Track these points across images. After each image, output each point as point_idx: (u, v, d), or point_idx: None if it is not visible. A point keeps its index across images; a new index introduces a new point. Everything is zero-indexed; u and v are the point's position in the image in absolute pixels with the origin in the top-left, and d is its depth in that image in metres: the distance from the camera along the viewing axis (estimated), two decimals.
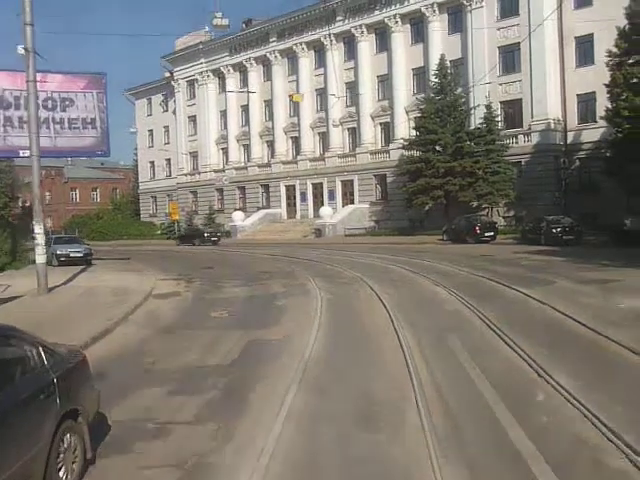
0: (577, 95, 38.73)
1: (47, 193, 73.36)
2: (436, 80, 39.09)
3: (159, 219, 65.47)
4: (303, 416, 6.40)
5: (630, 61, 30.41)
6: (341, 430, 5.96)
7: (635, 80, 29.77)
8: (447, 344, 9.29)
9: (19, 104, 22.55)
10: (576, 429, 5.64)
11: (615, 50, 30.92)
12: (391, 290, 15.36)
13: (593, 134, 36.74)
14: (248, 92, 53.47)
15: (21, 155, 23.37)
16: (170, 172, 66.41)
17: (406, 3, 44.81)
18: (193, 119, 62.93)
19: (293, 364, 8.40)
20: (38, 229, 15.92)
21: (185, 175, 63.42)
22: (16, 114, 22.57)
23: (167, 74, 66.25)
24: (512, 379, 7.41)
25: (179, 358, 9.37)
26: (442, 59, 39.17)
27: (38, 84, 20.99)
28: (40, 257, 15.98)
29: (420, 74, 44.86)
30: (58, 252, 24.57)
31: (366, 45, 48.05)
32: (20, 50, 20.55)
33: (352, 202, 47.85)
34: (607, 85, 31.54)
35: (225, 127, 59.60)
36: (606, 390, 6.68)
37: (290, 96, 50.12)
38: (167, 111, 67.18)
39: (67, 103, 23.15)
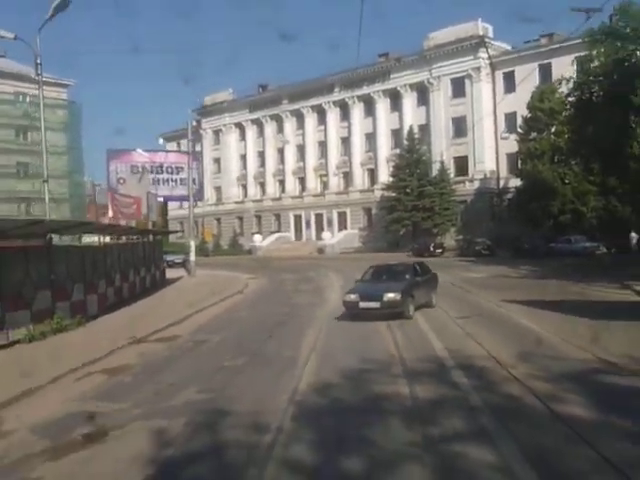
0: (506, 154, 54.63)
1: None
2: (406, 142, 55.17)
3: (186, 240, 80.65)
4: (342, 292, 22.00)
5: (530, 138, 46.51)
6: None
7: (533, 150, 45.65)
8: None
9: (153, 170, 38.21)
10: None
11: (520, 130, 47.17)
12: None
13: (517, 182, 52.60)
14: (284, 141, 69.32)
15: None
16: (196, 202, 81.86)
17: (386, 83, 61.03)
18: (217, 161, 78.69)
19: (333, 288, 23.97)
20: (192, 244, 31.37)
21: (210, 205, 78.82)
22: (151, 176, 38.16)
23: (194, 123, 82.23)
24: None
25: (287, 289, 24.88)
26: (411, 129, 55.33)
27: (162, 157, 36.85)
28: (192, 257, 31.44)
29: (396, 134, 60.76)
30: (168, 259, 39.72)
31: (357, 111, 64.20)
32: (160, 141, 36.44)
33: (345, 228, 63.53)
34: (517, 152, 47.73)
35: (244, 168, 75.48)
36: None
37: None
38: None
39: (179, 170, 38.79)
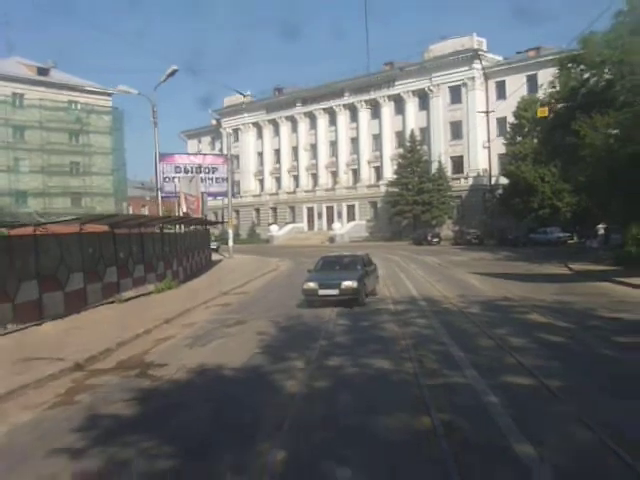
0: (497, 154, 61.58)
1: None
2: (408, 144, 62.23)
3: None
4: None
5: (516, 142, 53.46)
6: None
7: (517, 153, 52.64)
8: (394, 270, 32.04)
9: (193, 170, 45.36)
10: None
11: (507, 135, 54.14)
12: (376, 257, 37.88)
13: (506, 180, 59.54)
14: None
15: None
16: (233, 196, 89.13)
17: (391, 89, 68.02)
18: (236, 157, 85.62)
19: None
20: (230, 231, 38.59)
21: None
22: (189, 175, 45.29)
23: (214, 122, 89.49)
24: (394, 271, 30.15)
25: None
26: (412, 132, 62.40)
27: (201, 159, 43.98)
28: (230, 243, 38.68)
29: (400, 135, 67.76)
30: None
31: (364, 114, 71.25)
32: (182, 136, 43.42)
33: (354, 219, 70.73)
34: (504, 154, 54.74)
35: (261, 164, 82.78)
36: (421, 267, 29.45)
37: None
38: (214, 149, 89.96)
39: (214, 169, 45.99)
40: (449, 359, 9.21)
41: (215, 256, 41.46)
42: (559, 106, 37.49)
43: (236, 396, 7.84)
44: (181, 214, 33.50)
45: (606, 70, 34.22)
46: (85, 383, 9.10)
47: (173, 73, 23.66)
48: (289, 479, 5.26)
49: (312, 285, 16.10)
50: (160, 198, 30.43)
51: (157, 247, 21.10)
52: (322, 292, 15.82)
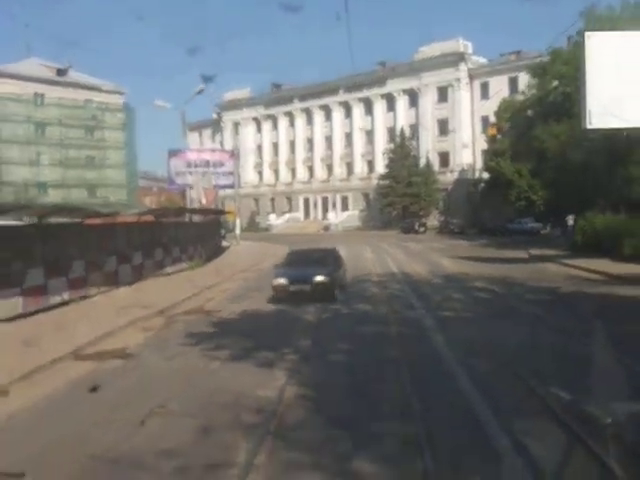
0: (481, 150, 66.42)
1: None
2: (398, 139, 67.04)
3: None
4: (348, 252, 34.06)
5: (498, 138, 58.27)
6: None
7: (497, 150, 57.47)
8: (381, 255, 36.94)
9: (201, 164, 50.00)
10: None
11: (489, 134, 58.97)
12: (366, 244, 42.82)
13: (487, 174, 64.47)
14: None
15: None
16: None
17: (383, 87, 72.75)
18: (236, 150, 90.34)
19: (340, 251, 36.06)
20: (237, 222, 43.35)
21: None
22: (199, 169, 49.92)
23: (215, 116, 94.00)
24: (381, 254, 35.07)
25: None
26: (402, 129, 67.23)
27: (209, 155, 48.66)
28: (237, 231, 43.48)
29: (391, 131, 72.54)
30: None
31: (357, 110, 75.97)
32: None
33: (347, 210, 75.61)
34: (485, 151, 59.66)
35: (260, 157, 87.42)
36: (402, 249, 34.38)
37: None
38: (215, 142, 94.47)
39: (221, 163, 50.57)
40: (409, 305, 14.16)
41: (223, 242, 46.32)
42: (528, 112, 42.41)
43: (273, 321, 12.82)
44: (195, 206, 38.22)
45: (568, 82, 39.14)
46: (172, 319, 13.97)
47: (201, 91, 28.37)
48: (313, 351, 10.11)
49: (282, 281, 15.68)
50: (187, 190, 35.03)
51: (187, 233, 25.92)
52: (293, 288, 15.50)
